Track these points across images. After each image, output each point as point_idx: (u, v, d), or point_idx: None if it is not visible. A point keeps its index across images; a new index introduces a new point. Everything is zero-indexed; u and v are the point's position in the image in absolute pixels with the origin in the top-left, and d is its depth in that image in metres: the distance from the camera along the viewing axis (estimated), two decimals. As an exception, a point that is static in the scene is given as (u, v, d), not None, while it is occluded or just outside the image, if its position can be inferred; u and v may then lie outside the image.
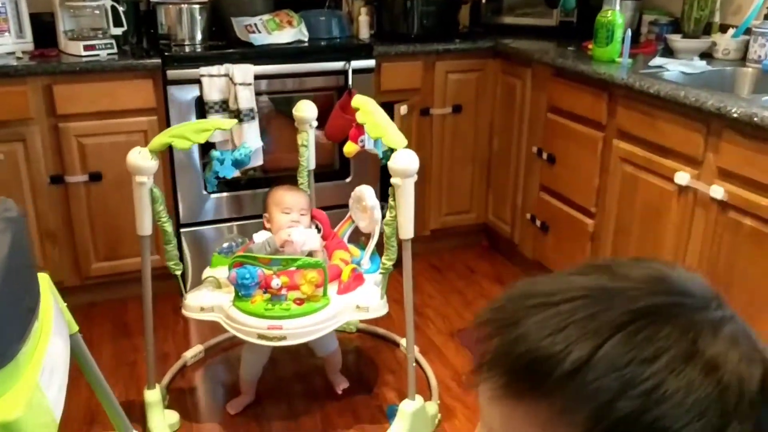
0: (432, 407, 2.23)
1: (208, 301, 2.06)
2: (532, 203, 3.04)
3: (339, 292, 2.06)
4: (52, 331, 1.14)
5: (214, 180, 2.07)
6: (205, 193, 2.84)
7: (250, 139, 2.72)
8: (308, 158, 2.46)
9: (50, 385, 1.05)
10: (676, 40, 2.72)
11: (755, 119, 1.90)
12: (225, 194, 2.90)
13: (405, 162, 1.90)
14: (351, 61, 2.86)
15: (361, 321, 2.65)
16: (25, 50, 2.70)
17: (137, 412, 2.25)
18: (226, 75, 2.68)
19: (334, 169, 3.07)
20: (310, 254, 2.15)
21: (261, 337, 1.95)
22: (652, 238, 2.35)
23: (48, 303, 1.18)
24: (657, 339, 0.48)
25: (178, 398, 2.37)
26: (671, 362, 0.48)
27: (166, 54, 2.71)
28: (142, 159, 1.90)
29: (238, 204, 2.94)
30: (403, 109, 2.96)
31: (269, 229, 2.22)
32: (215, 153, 2.04)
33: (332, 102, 2.86)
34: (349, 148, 2.10)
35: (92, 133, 2.67)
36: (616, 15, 2.60)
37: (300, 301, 1.97)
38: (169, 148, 2.44)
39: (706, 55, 2.72)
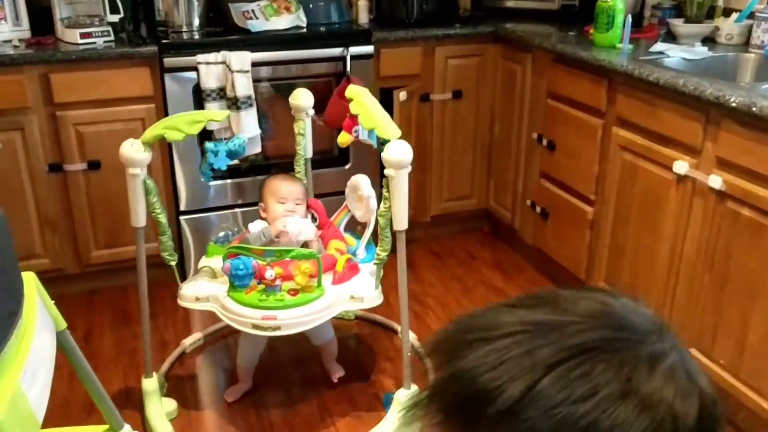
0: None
1: (203, 291, 2.06)
2: (532, 190, 3.02)
3: (334, 282, 2.06)
4: (36, 330, 1.14)
5: (210, 172, 2.06)
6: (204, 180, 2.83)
7: (248, 126, 2.71)
8: (305, 146, 2.45)
9: (32, 385, 1.05)
10: (679, 25, 2.69)
11: (753, 109, 1.87)
12: (228, 181, 2.91)
13: (398, 153, 1.89)
14: (349, 48, 2.84)
15: (359, 309, 2.65)
16: (22, 38, 2.69)
17: (137, 400, 2.27)
18: (223, 62, 2.66)
19: (334, 156, 3.06)
20: (306, 244, 2.15)
21: (255, 327, 1.96)
22: (650, 226, 2.33)
23: (32, 302, 1.19)
24: (592, 377, 0.48)
25: (177, 386, 2.39)
26: (605, 400, 0.47)
27: (163, 41, 2.69)
28: (134, 151, 1.89)
29: (239, 191, 2.93)
30: (403, 95, 2.93)
31: (265, 219, 2.21)
32: (209, 145, 2.03)
33: (331, 88, 2.84)
34: (343, 139, 2.09)
35: (90, 122, 2.67)
36: (616, 0, 2.56)
37: (294, 292, 1.97)
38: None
39: (709, 40, 2.68)
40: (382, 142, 1.96)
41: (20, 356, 1.05)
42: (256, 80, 2.81)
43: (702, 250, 2.14)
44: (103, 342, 2.66)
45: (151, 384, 2.20)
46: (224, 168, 2.06)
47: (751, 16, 2.58)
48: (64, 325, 1.30)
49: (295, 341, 2.49)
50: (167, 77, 2.68)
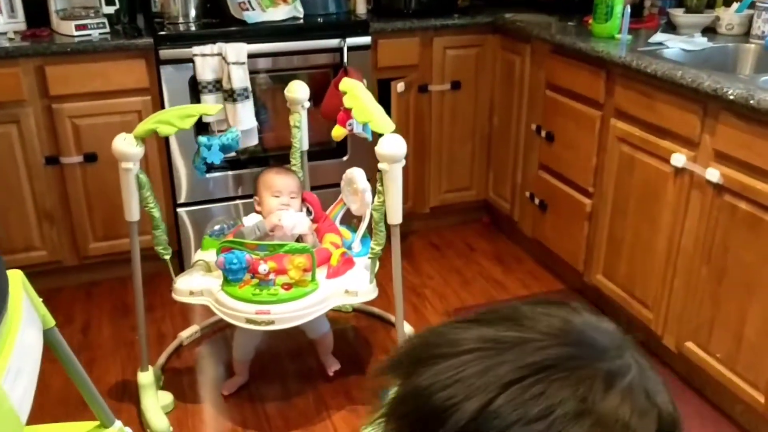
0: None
1: (197, 284, 2.06)
2: (531, 181, 3.00)
3: (328, 277, 2.05)
4: (21, 329, 1.14)
5: (203, 166, 2.05)
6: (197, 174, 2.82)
7: (245, 119, 2.70)
8: (301, 139, 2.44)
9: (15, 386, 1.05)
10: (679, 15, 2.66)
11: (751, 102, 1.85)
12: (228, 173, 2.90)
13: (392, 147, 1.87)
14: (346, 39, 2.82)
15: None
16: (17, 30, 2.68)
17: (134, 392, 2.28)
18: (219, 54, 2.65)
19: (332, 148, 3.04)
20: (300, 238, 2.14)
21: (249, 321, 1.96)
22: (648, 219, 2.32)
23: (18, 300, 1.18)
24: (547, 395, 0.47)
25: (173, 379, 2.40)
26: (560, 420, 0.46)
27: (159, 33, 2.68)
28: (127, 145, 1.89)
29: (239, 182, 2.93)
30: (400, 86, 2.92)
31: (260, 212, 2.21)
32: (202, 139, 2.02)
33: (328, 80, 2.83)
34: (337, 132, 2.08)
35: (86, 114, 2.66)
36: (615, -10, 2.53)
37: (288, 286, 1.97)
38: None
39: (710, 30, 2.65)
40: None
41: (3, 355, 1.05)
42: (254, 72, 2.79)
43: (699, 243, 2.12)
44: (101, 334, 2.67)
45: (146, 377, 2.20)
46: (218, 162, 2.05)
47: (752, 5, 2.55)
48: (52, 322, 1.29)
49: (291, 334, 2.49)
50: (163, 69, 2.67)
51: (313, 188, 2.70)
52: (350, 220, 2.39)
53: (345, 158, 3.02)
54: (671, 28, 2.70)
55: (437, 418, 0.47)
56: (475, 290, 2.92)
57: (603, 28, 2.57)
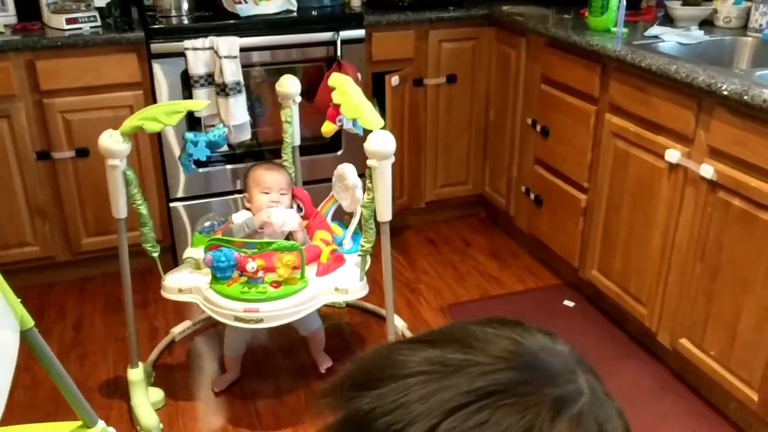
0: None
1: (186, 282, 2.05)
2: (526, 176, 2.98)
3: (318, 274, 2.03)
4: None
5: (189, 163, 2.03)
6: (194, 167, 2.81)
7: (237, 113, 2.67)
8: (292, 134, 2.42)
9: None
10: (676, 8, 2.62)
11: (746, 97, 1.82)
12: (226, 167, 2.88)
13: (381, 144, 1.85)
14: (340, 32, 2.79)
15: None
16: (8, 24, 2.65)
17: (125, 389, 2.26)
18: (211, 48, 2.62)
19: (326, 142, 3.01)
20: (290, 235, 2.12)
21: (238, 319, 1.94)
22: (643, 216, 2.30)
23: (-8, 303, 1.17)
24: (491, 423, 0.45)
25: (165, 375, 2.39)
26: None
27: (150, 27, 2.65)
28: (113, 142, 1.87)
29: (236, 177, 2.91)
30: (395, 80, 2.89)
31: (250, 209, 2.19)
32: (189, 135, 2.00)
33: (322, 73, 2.80)
34: (327, 128, 2.06)
35: (77, 109, 2.64)
36: (611, -17, 2.50)
37: (277, 284, 1.95)
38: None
39: (707, 23, 2.62)
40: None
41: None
42: (249, 65, 2.78)
43: (694, 239, 2.10)
44: (93, 330, 2.66)
45: (136, 374, 2.20)
46: (203, 159, 2.03)
47: (750, -2, 2.51)
48: (31, 323, 1.28)
49: (283, 330, 2.48)
50: (155, 63, 2.65)
51: (307, 183, 2.69)
52: (342, 217, 2.38)
53: (339, 153, 3.00)
54: (668, 20, 2.66)
55: None
56: (470, 286, 2.90)
57: (599, 21, 2.54)
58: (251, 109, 2.92)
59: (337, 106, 1.95)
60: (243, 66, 2.68)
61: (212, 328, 2.63)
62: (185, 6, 2.83)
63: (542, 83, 2.76)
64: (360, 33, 2.86)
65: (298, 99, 2.38)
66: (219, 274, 1.95)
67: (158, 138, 2.76)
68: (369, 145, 1.85)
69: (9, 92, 2.54)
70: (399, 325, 2.53)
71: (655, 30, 2.52)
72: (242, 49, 2.66)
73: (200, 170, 2.83)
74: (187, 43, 2.60)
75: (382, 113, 3.00)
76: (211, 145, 1.97)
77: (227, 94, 2.64)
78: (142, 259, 2.20)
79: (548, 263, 3.01)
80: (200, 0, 2.89)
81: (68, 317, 2.73)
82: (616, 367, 2.40)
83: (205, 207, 2.86)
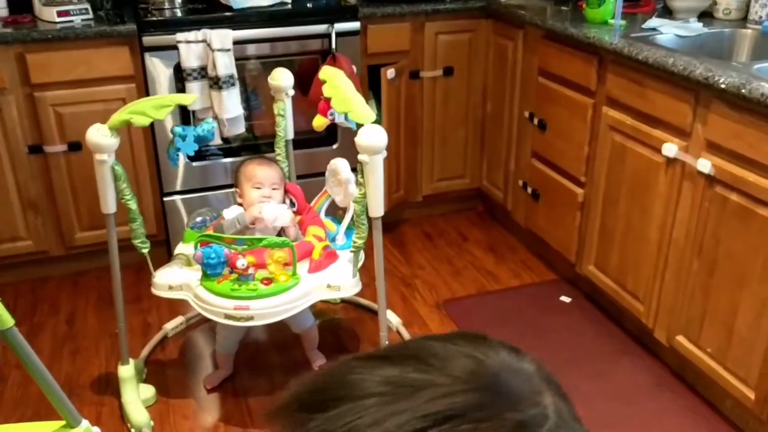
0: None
1: (177, 279, 2.02)
2: (524, 170, 2.95)
3: (310, 271, 2.01)
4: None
5: (177, 156, 2.00)
6: (188, 161, 2.79)
7: (231, 107, 2.65)
8: (285, 128, 2.39)
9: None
10: (675, -1, 2.58)
11: (743, 91, 1.79)
12: (223, 160, 2.86)
13: (372, 138, 1.82)
14: (334, 24, 2.76)
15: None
16: (-1, 16, 2.63)
17: (116, 385, 2.24)
18: (204, 41, 2.59)
19: (321, 136, 2.98)
20: (282, 231, 2.10)
21: (228, 317, 1.92)
22: (640, 210, 2.27)
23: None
24: None
25: (157, 371, 2.37)
26: None
27: (142, 19, 2.62)
28: (101, 136, 1.84)
29: (231, 171, 2.87)
30: (390, 72, 2.86)
31: (242, 204, 2.16)
32: (177, 129, 1.97)
33: (317, 66, 2.77)
34: (318, 122, 2.03)
35: (69, 102, 2.62)
36: (609, -27, 2.46)
37: (268, 281, 1.93)
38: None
39: (707, 15, 2.58)
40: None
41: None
42: (243, 58, 2.75)
43: (691, 235, 2.07)
44: (86, 325, 2.64)
45: (127, 371, 2.18)
46: (191, 153, 2.00)
47: (751, -11, 2.47)
48: (11, 322, 1.26)
49: (277, 327, 2.45)
50: (147, 56, 2.62)
51: (302, 177, 2.66)
52: (336, 212, 2.35)
53: (335, 146, 2.97)
54: (667, 12, 2.62)
55: None
56: (466, 281, 2.88)
57: (596, 13, 2.50)
58: (247, 103, 2.89)
59: (328, 100, 1.92)
60: (237, 59, 2.66)
61: (206, 323, 2.61)
62: (178, -2, 2.80)
63: (539, 76, 2.72)
64: (355, 25, 2.83)
65: (291, 92, 2.35)
66: (209, 271, 1.93)
67: (152, 131, 2.73)
68: (360, 140, 1.82)
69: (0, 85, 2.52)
70: (394, 321, 2.51)
71: (653, 22, 2.48)
72: (236, 42, 2.63)
73: (198, 164, 2.82)
74: (180, 36, 2.58)
75: (378, 106, 2.97)
76: (200, 140, 1.94)
77: (220, 88, 2.61)
78: (135, 254, 2.17)
79: (545, 258, 2.98)
80: (194, -9, 2.86)
81: (61, 312, 2.71)
82: (613, 363, 2.38)
83: (202, 200, 2.84)
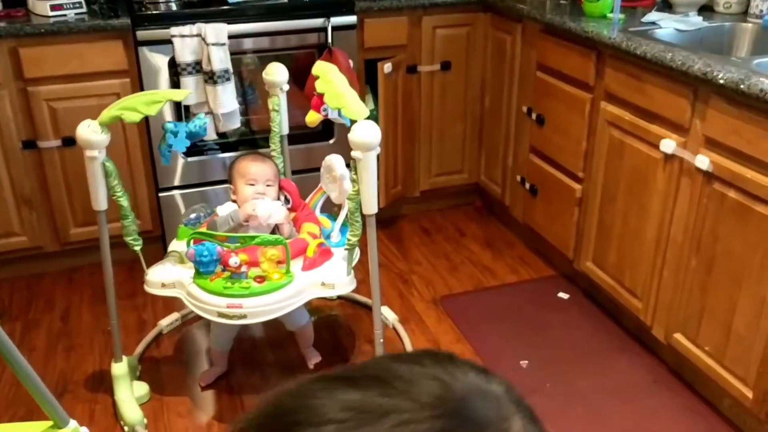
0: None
1: (169, 276, 2.01)
2: (521, 165, 2.93)
3: (304, 269, 1.99)
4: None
5: (168, 153, 1.98)
6: (182, 157, 2.77)
7: (226, 101, 2.63)
8: (280, 123, 2.36)
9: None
10: (675, -7, 2.55)
11: (742, 86, 1.77)
12: (221, 155, 2.84)
13: (365, 135, 1.79)
14: (331, 18, 2.73)
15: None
16: (-8, 11, 2.60)
17: (110, 381, 2.22)
18: (199, 35, 2.57)
19: (317, 131, 2.96)
20: (277, 228, 2.08)
21: (221, 315, 1.90)
22: (638, 207, 2.24)
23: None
24: None
25: (151, 368, 2.35)
26: None
27: (136, 13, 2.60)
28: (91, 133, 1.82)
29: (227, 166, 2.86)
30: (387, 67, 2.83)
31: (236, 201, 2.14)
32: (169, 125, 1.95)
33: (313, 61, 2.73)
34: (312, 118, 2.01)
35: (63, 97, 2.59)
36: (608, -33, 2.43)
37: (261, 279, 1.91)
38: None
39: (707, 9, 2.55)
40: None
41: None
42: (239, 52, 2.72)
43: (689, 232, 2.05)
44: (81, 321, 2.63)
45: (120, 368, 2.16)
46: (183, 150, 1.98)
47: (751, -17, 2.44)
48: (-4, 322, 1.24)
49: (271, 324, 2.43)
50: (141, 51, 2.60)
51: (299, 172, 2.64)
52: (331, 209, 2.33)
53: (331, 141, 2.95)
54: (667, 6, 2.59)
55: None
56: (464, 277, 2.86)
57: (595, 7, 2.48)
58: (243, 97, 2.87)
59: (321, 95, 1.90)
60: (233, 53, 2.63)
61: (201, 320, 2.59)
62: (173, -8, 2.77)
63: (538, 70, 2.70)
64: (351, 19, 2.80)
65: (286, 87, 2.33)
66: (202, 269, 1.91)
67: (147, 126, 2.71)
68: (353, 136, 1.79)
69: (-8, 80, 2.50)
70: (390, 317, 2.49)
71: (652, 16, 2.45)
72: (231, 36, 2.61)
73: (195, 159, 2.80)
74: (174, 30, 2.55)
75: (375, 101, 2.94)
76: (192, 136, 1.92)
77: (215, 82, 2.59)
78: (130, 250, 2.15)
79: (543, 253, 2.96)
80: (189, -15, 2.83)
81: (56, 308, 2.70)
82: (610, 360, 2.36)
83: (200, 195, 2.83)
